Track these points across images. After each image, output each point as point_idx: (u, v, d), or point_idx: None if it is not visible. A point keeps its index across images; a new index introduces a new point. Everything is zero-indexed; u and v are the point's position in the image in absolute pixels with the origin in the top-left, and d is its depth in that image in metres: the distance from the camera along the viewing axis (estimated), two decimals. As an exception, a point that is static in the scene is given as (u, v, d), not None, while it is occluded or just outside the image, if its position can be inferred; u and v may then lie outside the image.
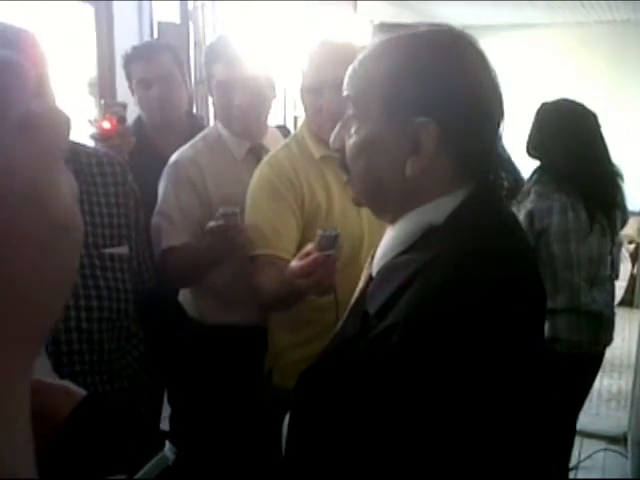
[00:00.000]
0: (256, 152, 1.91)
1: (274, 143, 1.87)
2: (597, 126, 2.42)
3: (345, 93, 0.94)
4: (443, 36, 0.90)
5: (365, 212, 1.69)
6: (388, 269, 0.89)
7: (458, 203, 0.87)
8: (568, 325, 2.36)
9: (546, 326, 2.06)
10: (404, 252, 0.88)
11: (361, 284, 1.05)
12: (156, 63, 2.20)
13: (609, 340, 2.51)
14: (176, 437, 2.17)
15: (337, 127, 0.98)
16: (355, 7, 5.54)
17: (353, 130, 0.91)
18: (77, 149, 1.62)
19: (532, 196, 2.34)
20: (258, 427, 1.87)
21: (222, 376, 1.96)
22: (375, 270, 0.94)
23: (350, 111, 0.93)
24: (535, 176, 2.40)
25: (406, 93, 0.85)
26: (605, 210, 2.36)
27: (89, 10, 3.66)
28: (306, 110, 1.72)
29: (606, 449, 3.30)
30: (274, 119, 2.10)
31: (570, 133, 2.35)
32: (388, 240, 0.93)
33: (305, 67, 1.68)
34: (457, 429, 0.73)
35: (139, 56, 2.23)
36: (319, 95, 1.64)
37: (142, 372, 1.64)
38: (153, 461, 2.01)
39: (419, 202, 0.88)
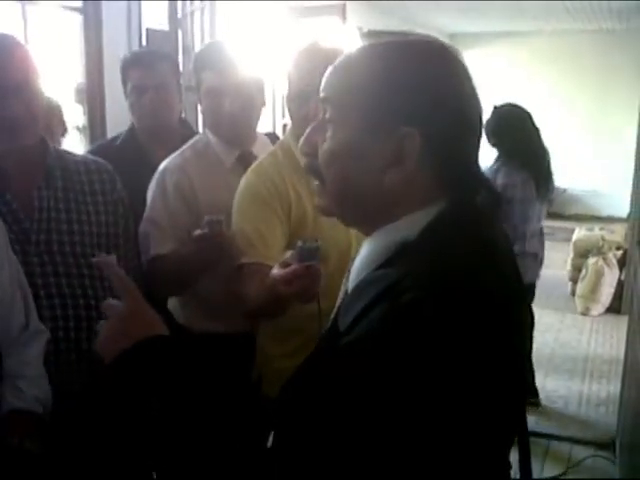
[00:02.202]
0: (245, 159, 1.91)
1: (263, 150, 1.86)
2: (533, 123, 3.56)
3: (322, 95, 0.89)
4: (430, 46, 0.87)
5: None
6: (361, 285, 0.85)
7: (432, 218, 0.83)
8: (520, 264, 3.04)
9: None
10: (380, 267, 0.85)
11: (338, 300, 1.02)
12: (153, 71, 2.20)
13: (539, 273, 3.67)
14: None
15: (308, 129, 0.92)
16: (344, 15, 5.57)
17: (329, 134, 0.86)
18: (65, 157, 1.61)
19: (501, 174, 3.44)
20: (246, 433, 1.86)
21: (208, 383, 1.95)
22: (351, 285, 0.91)
23: (327, 114, 0.88)
24: (500, 161, 3.54)
25: (390, 101, 0.82)
26: (544, 180, 3.54)
27: (77, 17, 3.65)
28: (292, 117, 1.71)
29: (595, 455, 3.31)
30: (263, 126, 2.09)
31: (515, 128, 3.50)
32: (364, 255, 0.90)
33: (290, 73, 1.67)
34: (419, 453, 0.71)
35: (137, 62, 2.23)
36: (305, 101, 1.62)
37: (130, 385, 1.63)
38: None
39: (394, 215, 0.85)
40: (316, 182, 0.92)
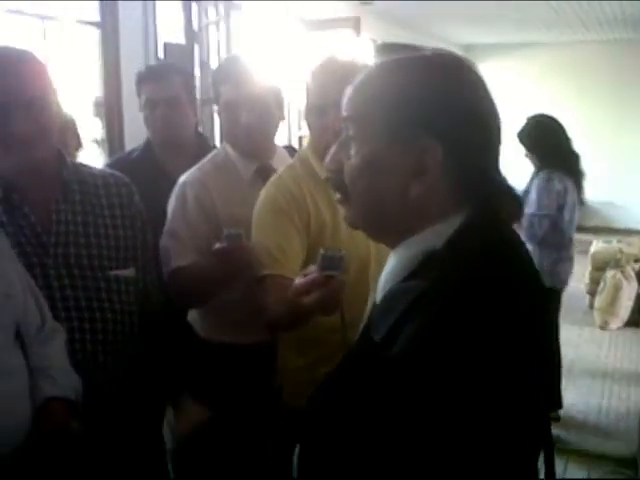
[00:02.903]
0: (264, 172, 1.91)
1: (282, 163, 1.87)
2: (565, 131, 3.72)
3: (345, 114, 0.92)
4: (447, 60, 0.90)
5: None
6: (390, 296, 0.88)
7: (456, 227, 0.86)
8: (562, 269, 3.70)
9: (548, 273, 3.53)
10: (406, 278, 0.87)
11: (367, 311, 1.03)
12: (163, 85, 2.24)
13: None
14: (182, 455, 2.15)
15: (334, 148, 0.95)
16: (358, 28, 5.58)
17: (353, 151, 0.90)
18: (83, 170, 1.62)
19: (554, 180, 3.58)
20: (267, 445, 1.85)
21: (229, 394, 1.95)
22: (379, 297, 0.93)
23: (350, 132, 0.91)
24: (548, 168, 3.62)
25: (411, 114, 0.85)
26: (581, 187, 3.71)
27: (95, 31, 3.69)
28: (310, 129, 1.71)
29: (614, 471, 3.26)
30: (279, 139, 2.09)
31: (558, 137, 3.68)
32: (390, 267, 0.92)
33: (309, 86, 1.68)
34: (466, 463, 0.72)
35: (149, 76, 2.28)
36: (323, 114, 1.63)
37: (147, 394, 1.63)
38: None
39: (419, 226, 0.87)
40: (340, 197, 0.95)
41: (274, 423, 1.80)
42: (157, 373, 1.71)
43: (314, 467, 0.85)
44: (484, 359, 0.74)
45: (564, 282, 3.70)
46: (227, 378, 1.95)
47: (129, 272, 1.58)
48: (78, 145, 2.79)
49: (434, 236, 0.86)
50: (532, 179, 3.71)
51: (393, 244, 0.92)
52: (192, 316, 2.07)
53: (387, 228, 0.92)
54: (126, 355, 1.58)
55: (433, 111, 0.84)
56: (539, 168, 3.69)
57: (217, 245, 1.61)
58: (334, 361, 1.73)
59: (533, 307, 0.84)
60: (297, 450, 0.94)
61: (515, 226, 0.94)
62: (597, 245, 6.20)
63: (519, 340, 0.78)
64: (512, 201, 0.92)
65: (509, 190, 0.92)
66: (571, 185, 3.64)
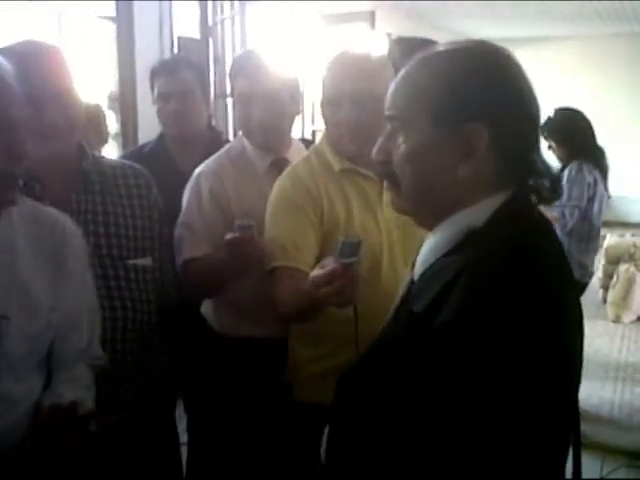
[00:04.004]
0: (279, 165, 1.92)
1: (298, 156, 1.87)
2: (591, 125, 3.79)
3: (390, 108, 0.97)
4: (488, 48, 0.96)
5: (384, 225, 1.70)
6: (432, 271, 0.93)
7: (498, 205, 0.91)
8: (591, 260, 3.80)
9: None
10: (445, 255, 0.92)
11: (401, 291, 1.08)
12: (176, 78, 2.26)
13: None
14: (194, 449, 2.17)
15: (380, 140, 1.00)
16: (373, 22, 5.58)
17: (401, 140, 0.95)
18: (102, 162, 1.64)
19: (584, 172, 3.62)
20: (277, 439, 1.87)
21: (241, 388, 1.97)
22: (417, 274, 0.98)
23: (396, 123, 0.96)
24: (579, 159, 3.66)
25: (458, 100, 0.90)
26: (606, 180, 3.78)
27: (108, 26, 3.72)
28: (325, 122, 1.72)
29: (629, 465, 3.26)
30: (293, 133, 2.11)
31: (586, 129, 3.74)
32: (430, 245, 0.97)
33: (325, 79, 1.69)
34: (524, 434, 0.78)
35: (162, 70, 2.30)
36: (338, 107, 1.64)
37: (163, 384, 1.65)
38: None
39: (463, 205, 0.93)
40: (389, 184, 1.01)
41: (284, 417, 1.82)
42: (171, 365, 1.73)
43: (345, 444, 0.88)
44: (526, 335, 0.78)
45: (590, 275, 3.75)
46: (240, 372, 1.97)
47: (147, 261, 1.61)
48: (104, 141, 2.81)
49: (477, 213, 0.92)
50: (561, 171, 3.76)
51: (436, 224, 0.97)
52: (206, 309, 2.09)
53: (435, 209, 0.97)
54: (147, 344, 1.60)
55: (479, 96, 0.90)
56: (567, 160, 3.71)
57: (229, 235, 1.63)
58: (342, 354, 1.75)
59: (570, 290, 0.91)
60: (326, 430, 0.97)
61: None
62: (610, 239, 6.17)
63: (562, 321, 0.84)
64: (551, 181, 0.97)
65: (548, 171, 0.97)
66: (599, 177, 3.69)
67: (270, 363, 1.88)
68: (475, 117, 0.90)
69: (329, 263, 1.30)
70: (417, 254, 1.01)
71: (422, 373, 0.80)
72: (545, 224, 0.96)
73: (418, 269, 0.99)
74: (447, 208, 0.95)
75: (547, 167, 0.97)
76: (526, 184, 0.94)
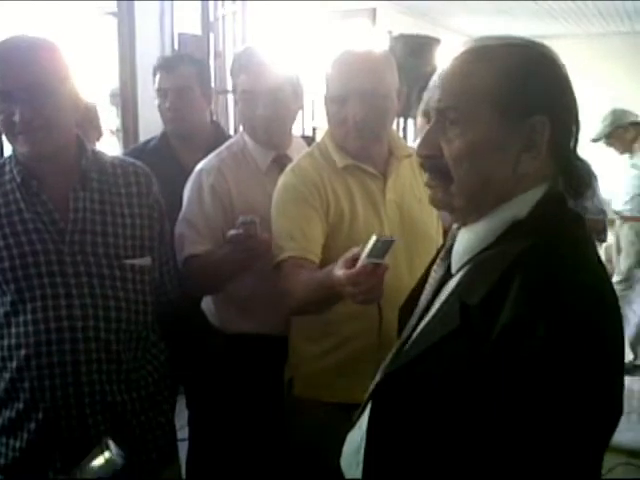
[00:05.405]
0: (280, 162, 1.92)
1: (299, 153, 1.86)
2: None
3: (441, 104, 0.96)
4: (536, 44, 0.97)
5: (387, 221, 1.70)
6: (481, 263, 0.93)
7: (540, 196, 0.93)
8: None
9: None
10: (493, 244, 0.94)
11: (429, 287, 1.07)
12: (173, 74, 2.28)
13: None
14: (195, 445, 2.17)
15: (426, 133, 0.99)
16: (374, 18, 5.57)
17: (455, 134, 0.94)
18: (103, 158, 1.62)
19: None
20: (277, 435, 1.87)
21: (241, 384, 1.97)
22: (456, 267, 0.99)
23: (451, 117, 0.95)
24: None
25: (521, 94, 0.91)
26: None
27: (112, 22, 3.71)
28: (329, 120, 1.72)
29: (627, 463, 3.25)
30: (293, 130, 2.11)
31: None
32: (470, 237, 0.98)
33: (329, 76, 1.69)
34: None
35: (161, 66, 2.32)
36: (343, 105, 1.64)
37: (161, 382, 1.64)
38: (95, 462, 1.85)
39: (509, 197, 0.94)
40: (432, 180, 0.99)
41: (285, 414, 1.82)
42: (171, 362, 1.72)
43: (388, 443, 0.89)
44: (590, 327, 0.81)
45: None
46: (240, 368, 1.97)
47: (145, 261, 1.58)
48: (99, 135, 2.81)
49: (520, 204, 0.94)
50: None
51: (480, 218, 0.97)
52: (206, 305, 2.09)
53: (486, 203, 0.96)
54: (144, 344, 1.59)
55: (542, 90, 0.92)
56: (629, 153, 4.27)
57: (232, 231, 1.62)
58: (344, 350, 1.74)
59: (606, 277, 0.92)
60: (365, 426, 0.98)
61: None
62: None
63: (617, 316, 0.86)
64: (587, 175, 0.99)
65: (584, 165, 0.99)
66: None
67: (270, 359, 1.89)
68: (537, 111, 0.91)
69: (349, 257, 1.29)
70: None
71: (487, 375, 0.81)
72: (578, 214, 0.97)
73: (458, 261, 0.99)
74: (497, 202, 0.95)
75: (583, 160, 0.99)
76: (566, 176, 0.96)
